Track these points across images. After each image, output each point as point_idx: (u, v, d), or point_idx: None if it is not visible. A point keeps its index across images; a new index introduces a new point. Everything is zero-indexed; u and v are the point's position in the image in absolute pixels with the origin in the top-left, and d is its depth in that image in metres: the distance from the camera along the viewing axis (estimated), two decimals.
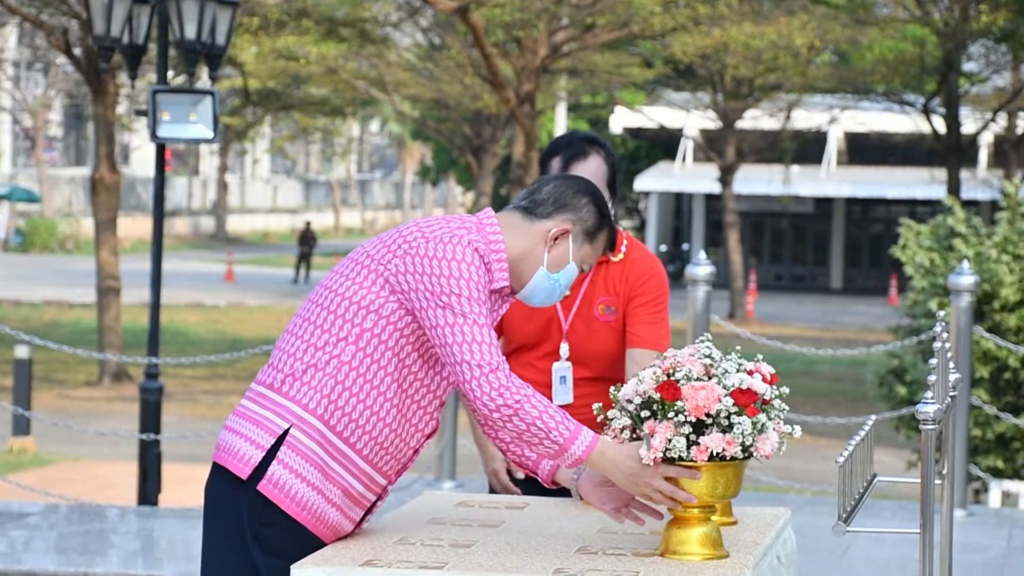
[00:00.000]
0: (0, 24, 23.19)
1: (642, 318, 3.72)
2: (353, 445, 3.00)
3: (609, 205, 3.55)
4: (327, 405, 2.99)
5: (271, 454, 2.98)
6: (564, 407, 3.50)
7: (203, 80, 14.76)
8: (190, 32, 8.59)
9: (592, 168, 3.67)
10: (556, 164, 3.69)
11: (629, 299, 3.72)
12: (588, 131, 3.82)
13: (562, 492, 3.48)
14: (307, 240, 35.35)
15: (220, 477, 3.04)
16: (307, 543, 3.00)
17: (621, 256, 3.74)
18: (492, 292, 3.05)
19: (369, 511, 3.10)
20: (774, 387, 2.93)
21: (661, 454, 2.83)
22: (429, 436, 3.10)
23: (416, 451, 3.09)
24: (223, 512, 3.03)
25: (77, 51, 16.91)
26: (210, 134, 8.44)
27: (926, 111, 21.86)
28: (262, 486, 2.97)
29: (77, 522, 7.13)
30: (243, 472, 2.98)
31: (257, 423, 3.01)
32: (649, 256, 3.79)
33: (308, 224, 36.68)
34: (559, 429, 2.91)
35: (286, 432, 2.98)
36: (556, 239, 3.08)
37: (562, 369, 3.71)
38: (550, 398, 3.70)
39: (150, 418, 8.65)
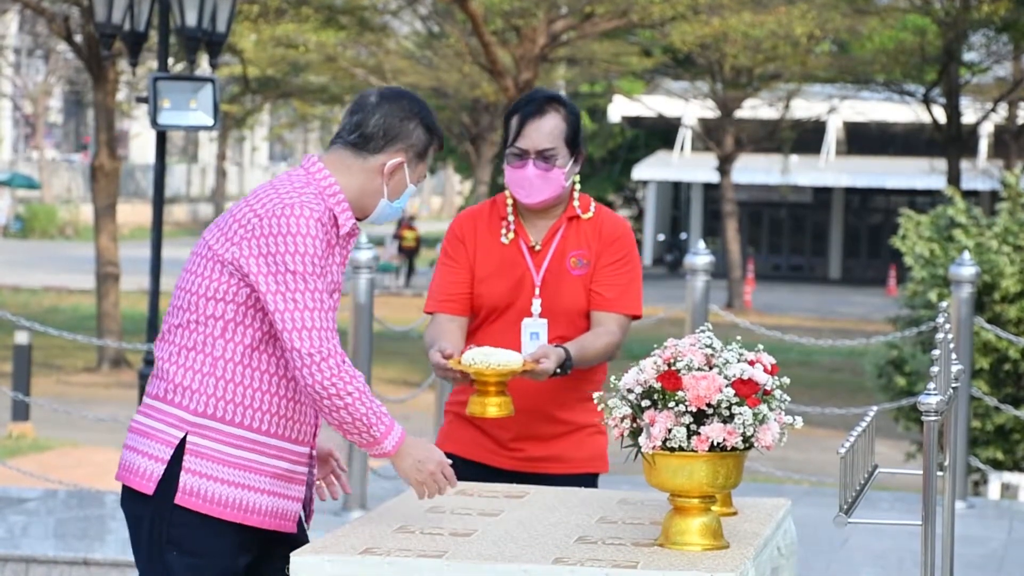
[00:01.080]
0: (1, 11, 23.16)
1: (608, 279, 3.68)
2: (257, 429, 3.03)
3: (570, 164, 3.68)
4: (215, 403, 3.01)
5: (174, 465, 3.00)
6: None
7: (203, 67, 14.74)
8: (191, 19, 8.58)
9: (548, 125, 3.65)
10: (514, 121, 3.70)
11: (598, 256, 3.69)
12: (552, 91, 3.82)
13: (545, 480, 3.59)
14: None
15: (127, 497, 3.08)
16: (233, 534, 3.02)
17: (591, 214, 3.74)
18: (342, 237, 3.10)
19: (310, 488, 3.14)
20: (775, 378, 2.93)
21: (660, 443, 2.83)
22: None
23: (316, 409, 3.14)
24: (137, 528, 3.07)
25: (78, 38, 16.88)
26: (210, 121, 8.43)
27: (926, 101, 21.85)
28: (179, 500, 2.99)
29: (76, 507, 7.13)
30: (148, 488, 3.02)
31: (152, 437, 3.04)
32: (617, 217, 3.79)
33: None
34: (378, 425, 2.99)
35: (183, 441, 3.01)
36: (392, 172, 3.13)
37: (534, 325, 3.65)
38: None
39: None
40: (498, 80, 17.40)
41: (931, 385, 2.87)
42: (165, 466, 3.00)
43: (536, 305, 3.66)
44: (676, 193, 40.39)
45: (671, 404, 2.83)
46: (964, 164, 22.72)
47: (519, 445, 3.68)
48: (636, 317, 3.73)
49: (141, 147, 50.45)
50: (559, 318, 3.66)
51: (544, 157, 3.65)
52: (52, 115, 48.56)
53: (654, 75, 28.18)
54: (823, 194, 37.75)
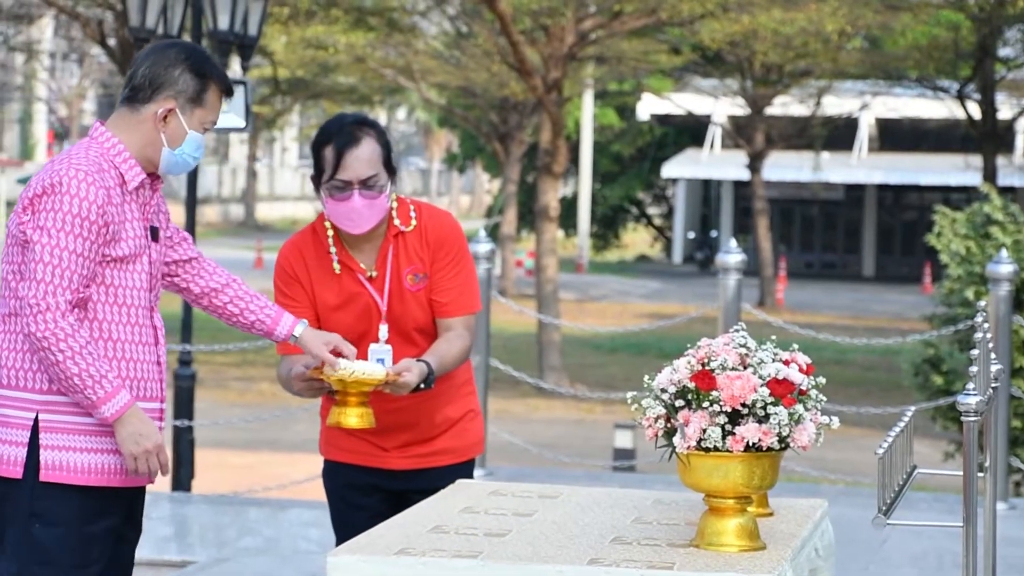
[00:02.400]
0: (37, 16, 23.30)
1: (444, 284, 3.65)
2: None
3: (389, 185, 3.62)
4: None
5: (33, 446, 3.09)
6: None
7: (234, 70, 14.79)
8: (223, 23, 8.61)
9: (366, 152, 3.58)
10: (329, 153, 3.60)
11: (431, 263, 3.65)
12: (356, 113, 3.75)
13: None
14: None
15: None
16: (94, 500, 3.11)
17: (413, 225, 3.67)
18: (135, 190, 3.17)
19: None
20: (811, 377, 2.90)
21: (695, 443, 2.81)
22: (158, 342, 3.24)
23: (159, 361, 3.23)
24: (7, 519, 3.12)
25: (112, 42, 16.97)
26: (242, 123, 8.45)
27: (960, 97, 21.69)
28: (44, 476, 3.08)
29: None
30: (16, 473, 3.10)
31: (6, 423, 3.12)
32: (439, 216, 3.70)
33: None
34: (95, 389, 3.05)
35: (36, 420, 3.09)
36: (165, 119, 3.18)
37: (379, 351, 3.61)
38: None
39: (183, 404, 8.69)
40: (526, 79, 17.38)
41: (970, 385, 2.85)
42: (27, 448, 3.09)
43: (383, 331, 3.63)
44: (706, 191, 40.26)
45: (705, 404, 2.81)
46: (1000, 160, 22.54)
47: (404, 442, 3.71)
48: (478, 310, 3.75)
49: None
50: (410, 337, 3.64)
51: (368, 186, 3.58)
52: (86, 118, 48.84)
53: (683, 73, 28.08)
54: (856, 191, 37.56)
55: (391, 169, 3.64)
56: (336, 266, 3.66)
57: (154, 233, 3.26)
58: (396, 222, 3.66)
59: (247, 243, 40.75)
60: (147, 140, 3.19)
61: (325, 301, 3.66)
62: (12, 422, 3.11)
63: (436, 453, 3.74)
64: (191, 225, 8.99)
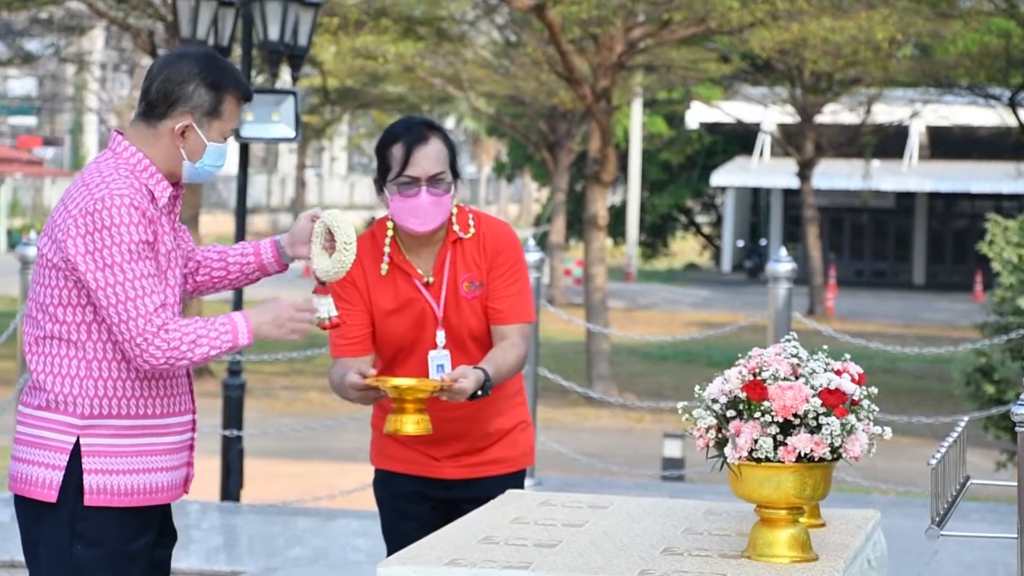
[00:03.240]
0: (88, 27, 23.55)
1: (501, 292, 3.68)
2: (144, 415, 3.13)
3: (453, 187, 3.66)
4: (99, 403, 3.10)
5: (72, 469, 3.08)
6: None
7: (284, 80, 14.88)
8: (273, 33, 8.65)
9: (434, 151, 3.64)
10: (398, 150, 3.64)
11: (488, 272, 3.68)
12: (423, 116, 3.89)
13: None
14: None
15: (25, 507, 3.15)
16: (134, 519, 3.12)
17: (472, 232, 3.71)
18: (167, 204, 3.16)
19: (192, 447, 3.26)
20: (863, 387, 2.88)
21: (746, 454, 2.80)
22: None
23: (188, 373, 3.23)
24: (38, 534, 3.13)
25: (162, 52, 17.12)
26: (292, 133, 8.50)
27: (1012, 104, 21.48)
28: (89, 501, 3.08)
29: None
30: (50, 496, 3.10)
31: (44, 446, 3.11)
32: (498, 225, 3.75)
33: (372, 219, 36.87)
34: (225, 340, 3.10)
35: (77, 444, 3.08)
36: (183, 134, 3.16)
37: (438, 357, 3.67)
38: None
39: (232, 414, 8.73)
40: (575, 88, 17.37)
41: (1023, 394, 2.82)
42: (63, 472, 3.09)
43: (440, 337, 3.67)
44: (755, 199, 40.08)
45: (757, 414, 2.80)
46: None
47: (456, 451, 3.74)
48: (533, 319, 3.80)
49: None
50: (466, 345, 3.68)
51: (435, 183, 3.63)
52: None
53: (732, 81, 27.98)
54: (906, 199, 37.27)
55: (455, 172, 3.69)
56: (384, 267, 3.68)
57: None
58: (455, 228, 3.70)
59: None
60: (168, 155, 3.17)
61: (381, 306, 3.68)
62: (52, 445, 3.11)
63: (488, 463, 3.77)
64: (240, 235, 9.04)
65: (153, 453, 3.14)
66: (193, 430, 3.26)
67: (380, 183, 3.69)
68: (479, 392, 3.55)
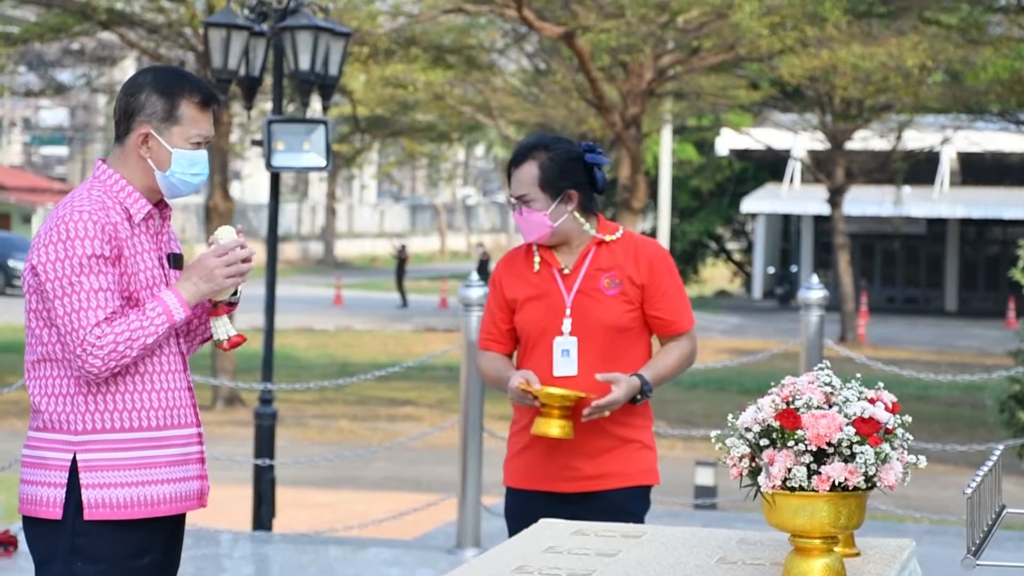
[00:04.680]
0: (119, 58, 23.76)
1: (665, 303, 4.04)
2: (140, 428, 3.15)
3: (553, 205, 4.00)
4: (91, 418, 3.13)
5: (72, 487, 3.11)
6: (568, 379, 3.92)
7: (314, 109, 14.96)
8: (304, 63, 8.69)
9: (523, 174, 4.02)
10: (509, 172, 4.09)
11: (646, 283, 4.01)
12: (541, 135, 4.19)
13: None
14: (399, 262, 35.52)
15: (34, 527, 3.18)
16: (135, 536, 3.13)
17: (619, 235, 4.07)
18: (144, 221, 3.20)
19: (202, 460, 3.26)
20: (896, 416, 2.87)
21: (780, 483, 2.78)
22: (186, 368, 3.27)
23: (189, 387, 3.25)
24: (49, 554, 3.15)
25: None
26: (323, 162, 8.53)
27: None
28: (89, 515, 3.10)
29: (192, 546, 7.21)
30: (55, 514, 3.12)
31: (44, 466, 3.15)
32: (652, 240, 4.12)
33: (401, 247, 36.97)
34: (161, 325, 3.13)
35: (74, 462, 3.11)
36: (145, 142, 3.19)
37: (564, 343, 3.96)
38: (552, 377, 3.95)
39: (264, 443, 8.74)
40: (605, 115, 17.40)
41: None
42: (65, 489, 3.12)
43: (567, 324, 3.96)
44: (786, 226, 39.97)
45: (790, 443, 2.79)
46: None
47: (574, 463, 3.98)
48: (693, 326, 4.12)
49: (253, 187, 51.28)
50: (592, 334, 3.96)
51: (524, 202, 4.02)
52: None
53: (762, 108, 27.97)
54: (938, 225, 37.11)
55: (554, 190, 4.01)
56: (536, 263, 4.08)
57: (175, 260, 3.30)
58: (594, 233, 4.06)
59: (326, 280, 41.06)
60: (139, 169, 3.21)
61: (519, 297, 4.06)
62: (51, 463, 3.15)
63: (604, 476, 3.99)
64: (272, 263, 9.08)
65: (153, 465, 3.16)
66: (200, 443, 3.27)
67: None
68: (638, 396, 3.91)
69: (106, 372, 3.10)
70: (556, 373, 3.93)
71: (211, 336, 3.37)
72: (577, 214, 4.02)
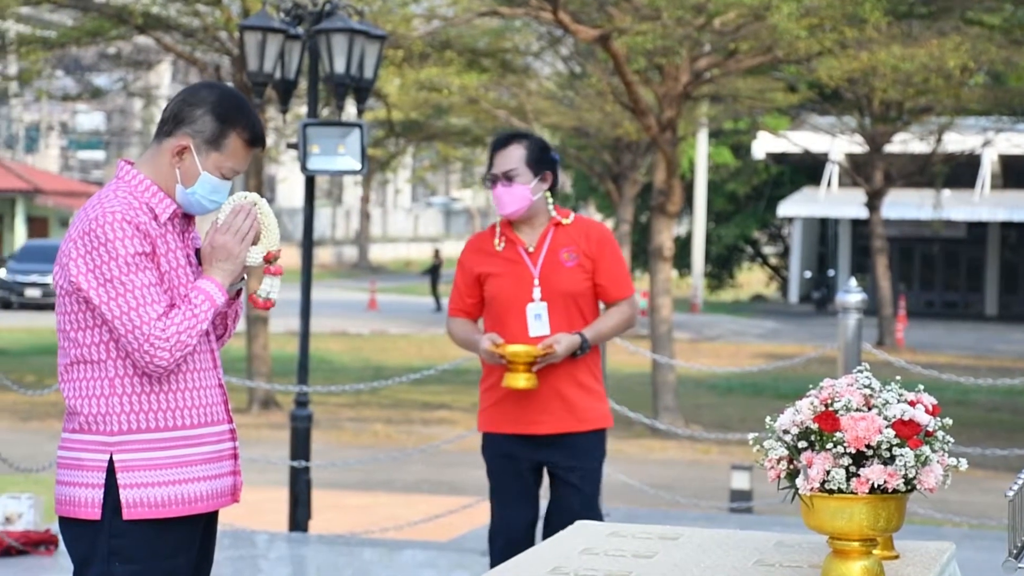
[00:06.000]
0: (155, 62, 23.90)
1: (607, 273, 4.81)
2: (175, 427, 3.16)
3: (535, 181, 4.77)
4: (126, 418, 3.14)
5: (109, 487, 3.12)
6: (542, 338, 4.71)
7: (349, 112, 14.99)
8: (339, 66, 8.69)
9: (510, 152, 4.78)
10: (489, 156, 4.84)
11: (594, 256, 4.80)
12: (521, 130, 5.37)
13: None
14: (433, 266, 35.69)
15: (71, 528, 3.19)
16: (170, 535, 3.14)
17: (571, 220, 4.87)
18: (169, 220, 3.21)
19: (235, 456, 3.28)
20: (937, 418, 2.84)
21: (818, 485, 2.75)
22: (216, 365, 3.27)
23: (220, 384, 3.26)
24: (86, 554, 3.16)
25: (228, 86, 17.31)
26: (358, 166, 8.53)
27: None
28: (127, 515, 3.11)
29: (228, 547, 7.23)
30: (94, 515, 3.14)
31: (80, 467, 3.17)
32: (598, 222, 4.89)
33: (436, 251, 37.12)
34: (204, 310, 3.17)
35: (111, 463, 3.12)
36: (180, 154, 3.19)
37: (536, 308, 4.76)
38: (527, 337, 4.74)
39: (300, 445, 8.75)
40: (640, 119, 17.34)
41: None
42: (102, 490, 3.13)
43: (536, 292, 4.77)
44: (823, 229, 39.78)
45: (829, 445, 2.76)
46: None
47: (541, 410, 4.73)
48: (633, 294, 4.86)
49: (287, 191, 51.49)
50: (557, 300, 4.77)
51: (508, 177, 4.77)
52: None
53: (800, 111, 27.83)
54: (978, 229, 36.84)
55: (538, 169, 4.78)
56: (499, 245, 4.84)
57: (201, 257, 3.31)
58: (555, 216, 4.85)
59: (361, 285, 41.15)
60: (165, 174, 3.22)
61: (491, 268, 4.82)
62: (87, 465, 3.16)
63: (568, 419, 4.74)
64: (307, 267, 9.09)
65: (189, 464, 3.17)
66: (233, 440, 3.28)
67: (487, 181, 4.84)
68: (578, 352, 4.69)
69: (173, 364, 3.12)
70: (532, 334, 4.72)
71: (225, 333, 3.38)
72: (547, 195, 4.83)
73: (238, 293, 3.37)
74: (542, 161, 4.78)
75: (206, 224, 3.47)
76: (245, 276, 3.34)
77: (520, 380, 4.64)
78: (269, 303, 3.36)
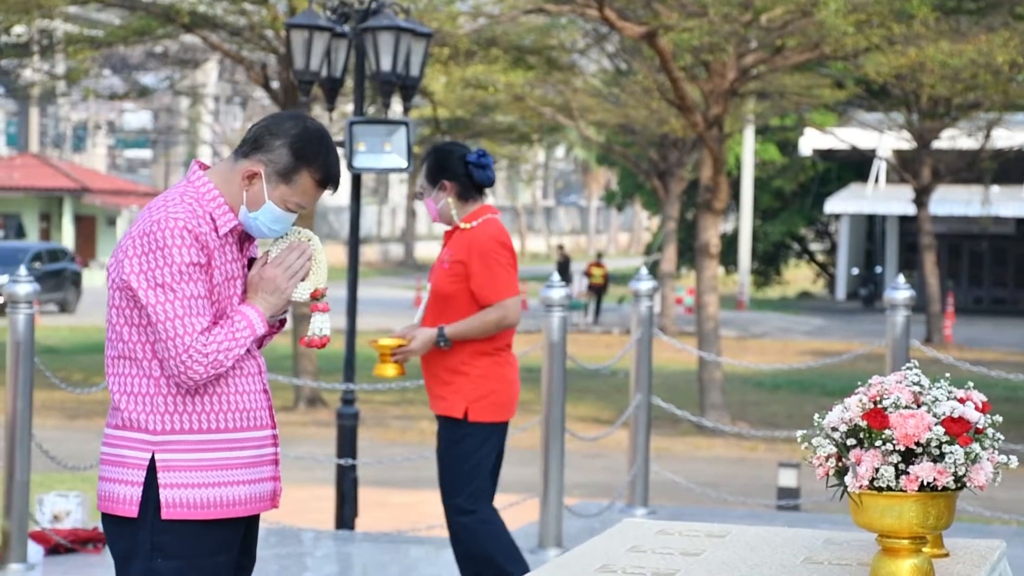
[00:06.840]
0: (202, 60, 24.05)
1: (477, 279, 5.17)
2: (217, 429, 3.17)
3: (434, 192, 5.24)
4: (169, 419, 3.15)
5: (150, 485, 3.14)
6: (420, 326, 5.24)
7: (395, 110, 15.03)
8: (385, 64, 8.70)
9: (421, 171, 5.35)
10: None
11: (466, 264, 5.16)
12: (436, 144, 5.53)
13: None
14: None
15: (112, 525, 3.20)
16: (213, 534, 3.16)
17: (473, 224, 5.19)
18: (231, 232, 3.21)
19: (276, 462, 3.28)
20: (987, 416, 2.81)
21: (867, 483, 2.74)
22: (262, 371, 3.28)
23: (265, 390, 3.26)
24: (126, 551, 3.19)
25: (275, 84, 17.40)
26: (404, 164, 8.55)
27: None
28: (166, 514, 3.13)
29: (275, 545, 7.27)
30: (132, 512, 3.15)
31: (122, 464, 3.18)
32: (484, 230, 5.16)
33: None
34: (244, 336, 3.19)
35: (152, 460, 3.13)
36: (250, 179, 3.19)
37: (424, 299, 5.33)
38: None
39: (347, 443, 8.78)
40: (686, 116, 17.29)
41: None
42: (142, 488, 3.15)
43: (425, 291, 5.32)
44: (870, 226, 39.52)
45: (878, 443, 2.74)
46: None
47: (430, 390, 5.33)
48: (501, 299, 5.18)
49: None
50: (433, 299, 5.25)
51: (419, 194, 5.33)
52: None
53: (847, 107, 27.65)
54: None
55: (433, 181, 5.22)
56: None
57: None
58: (456, 221, 5.21)
59: (406, 282, 41.24)
60: (234, 193, 3.23)
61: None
62: (129, 462, 3.18)
63: (438, 400, 5.29)
64: (353, 265, 9.12)
65: (230, 467, 3.18)
66: (275, 445, 3.29)
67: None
68: (441, 343, 5.17)
69: (204, 380, 3.14)
70: (415, 321, 5.30)
71: (261, 344, 3.41)
72: (451, 201, 5.19)
73: (281, 323, 3.38)
74: (438, 171, 5.20)
75: (266, 243, 3.50)
76: (289, 309, 3.36)
77: (387, 369, 5.30)
78: (325, 340, 3.35)
